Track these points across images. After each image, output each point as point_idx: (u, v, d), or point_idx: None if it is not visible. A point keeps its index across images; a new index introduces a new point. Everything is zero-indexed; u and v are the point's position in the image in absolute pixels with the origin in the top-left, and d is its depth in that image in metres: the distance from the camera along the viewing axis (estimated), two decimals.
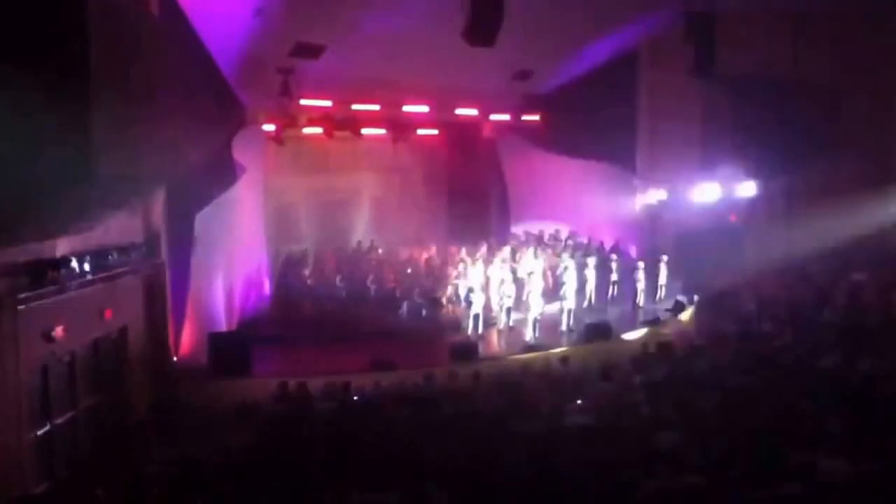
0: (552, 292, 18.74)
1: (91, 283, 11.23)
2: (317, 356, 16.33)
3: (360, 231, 23.26)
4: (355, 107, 19.89)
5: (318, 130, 20.13)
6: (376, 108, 20.20)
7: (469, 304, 18.08)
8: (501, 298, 18.40)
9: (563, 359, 14.02)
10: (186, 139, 11.08)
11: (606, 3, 16.69)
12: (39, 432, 10.35)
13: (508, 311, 18.21)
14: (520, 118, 22.97)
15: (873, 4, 19.05)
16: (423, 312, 18.80)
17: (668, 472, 7.62)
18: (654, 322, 18.19)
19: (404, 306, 18.39)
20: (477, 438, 9.95)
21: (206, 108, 14.51)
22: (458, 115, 22.01)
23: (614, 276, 20.46)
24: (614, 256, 20.95)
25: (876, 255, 18.01)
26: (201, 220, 14.84)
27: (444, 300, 19.09)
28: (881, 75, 20.12)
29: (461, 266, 19.89)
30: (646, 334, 16.93)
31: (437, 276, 19.57)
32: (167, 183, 13.09)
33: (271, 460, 8.87)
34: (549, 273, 20.34)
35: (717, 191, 21.64)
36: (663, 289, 20.17)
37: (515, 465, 8.67)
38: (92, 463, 11.34)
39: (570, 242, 22.60)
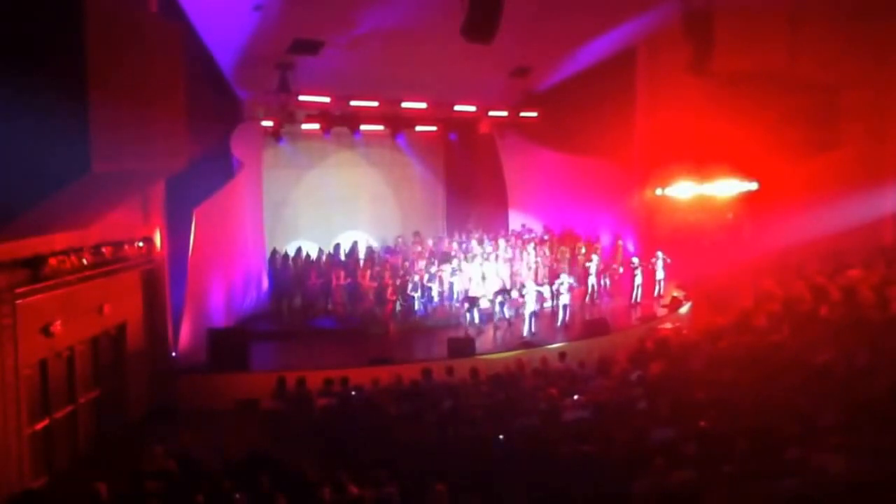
0: (550, 287, 18.75)
1: (90, 278, 11.25)
2: (315, 351, 16.39)
3: (360, 228, 23.30)
4: (354, 103, 19.90)
5: (317, 126, 20.15)
6: (375, 104, 20.21)
7: (466, 299, 18.14)
8: (498, 293, 18.45)
9: (561, 354, 14.07)
10: (185, 135, 11.08)
11: (604, 0, 16.72)
12: (38, 427, 10.39)
13: (503, 305, 18.29)
14: (518, 114, 23.01)
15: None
16: (420, 307, 18.87)
17: (664, 466, 7.68)
18: (651, 318, 18.23)
19: (400, 301, 18.43)
20: (474, 433, 10.00)
21: (205, 103, 14.51)
22: (456, 112, 22.03)
23: (611, 272, 20.53)
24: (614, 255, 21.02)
25: (871, 251, 18.05)
26: (200, 215, 14.86)
27: (440, 295, 19.15)
28: (878, 71, 20.14)
29: (457, 261, 19.91)
30: (643, 330, 16.97)
31: (433, 270, 19.59)
32: (166, 178, 13.09)
33: (270, 456, 8.90)
34: (545, 268, 20.39)
35: (715, 187, 21.75)
36: (661, 284, 20.22)
37: (513, 459, 8.73)
38: (91, 458, 11.38)
39: (566, 237, 22.61)
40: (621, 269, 20.74)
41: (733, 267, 19.88)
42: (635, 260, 19.95)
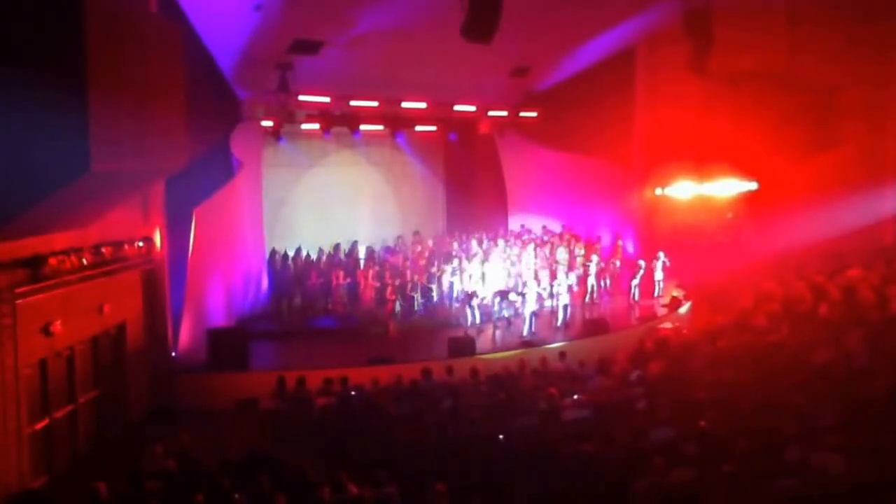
0: (549, 287, 18.76)
1: (90, 278, 11.24)
2: (315, 351, 16.39)
3: (360, 227, 23.32)
4: (353, 103, 19.91)
5: (316, 126, 20.15)
6: (375, 104, 20.21)
7: (466, 298, 18.15)
8: (498, 294, 18.45)
9: (561, 354, 14.08)
10: (185, 134, 11.08)
11: (604, 0, 16.73)
12: (38, 427, 10.37)
13: (501, 305, 18.28)
14: (518, 114, 23.02)
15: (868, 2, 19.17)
16: (420, 307, 18.88)
17: (664, 466, 7.68)
18: (651, 318, 18.23)
19: (400, 301, 18.45)
20: (474, 433, 10.00)
21: (205, 103, 14.51)
22: (456, 112, 22.04)
23: (611, 272, 20.52)
24: (613, 254, 21.01)
25: (871, 251, 18.06)
26: (200, 215, 14.86)
27: (440, 294, 19.16)
28: (877, 70, 20.16)
29: (457, 260, 19.93)
30: (643, 330, 16.96)
31: (433, 270, 19.62)
32: (165, 178, 13.09)
33: (270, 456, 8.91)
34: (545, 268, 20.38)
35: (715, 187, 21.76)
36: (660, 284, 20.22)
37: (513, 459, 8.73)
38: (91, 458, 11.38)
39: (566, 237, 22.62)
40: (618, 264, 20.72)
41: (733, 267, 19.88)
42: (642, 262, 19.90)
